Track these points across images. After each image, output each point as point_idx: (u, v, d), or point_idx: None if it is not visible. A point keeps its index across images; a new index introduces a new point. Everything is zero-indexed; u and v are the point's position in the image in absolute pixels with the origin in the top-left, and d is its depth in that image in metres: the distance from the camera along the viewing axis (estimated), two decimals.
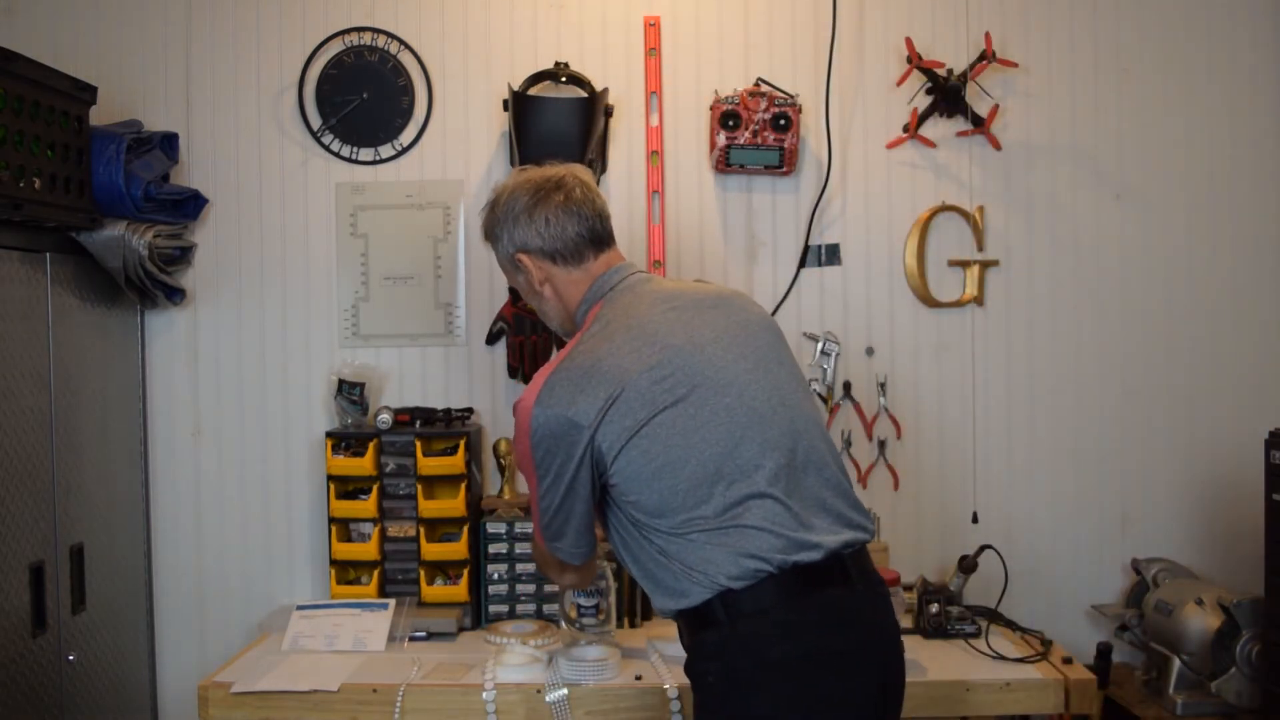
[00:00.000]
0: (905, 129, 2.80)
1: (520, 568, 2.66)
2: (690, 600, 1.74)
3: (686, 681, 2.20)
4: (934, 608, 2.51)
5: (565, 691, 2.22)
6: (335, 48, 2.83)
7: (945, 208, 2.82)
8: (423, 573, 2.67)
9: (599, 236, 1.92)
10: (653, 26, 2.82)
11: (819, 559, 1.72)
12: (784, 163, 2.75)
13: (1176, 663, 2.42)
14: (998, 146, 2.80)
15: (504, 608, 2.66)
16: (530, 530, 2.64)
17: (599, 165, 2.77)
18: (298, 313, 2.86)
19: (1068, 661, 2.34)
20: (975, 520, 2.81)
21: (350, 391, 2.75)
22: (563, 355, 1.82)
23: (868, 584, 1.79)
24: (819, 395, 2.77)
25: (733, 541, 1.71)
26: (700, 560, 1.72)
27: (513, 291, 2.79)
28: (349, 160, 2.84)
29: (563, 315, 1.96)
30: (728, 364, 1.79)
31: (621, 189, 2.82)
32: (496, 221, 1.96)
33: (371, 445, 2.67)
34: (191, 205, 2.77)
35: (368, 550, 2.68)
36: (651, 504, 1.74)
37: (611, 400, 1.73)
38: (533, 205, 1.90)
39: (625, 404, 1.73)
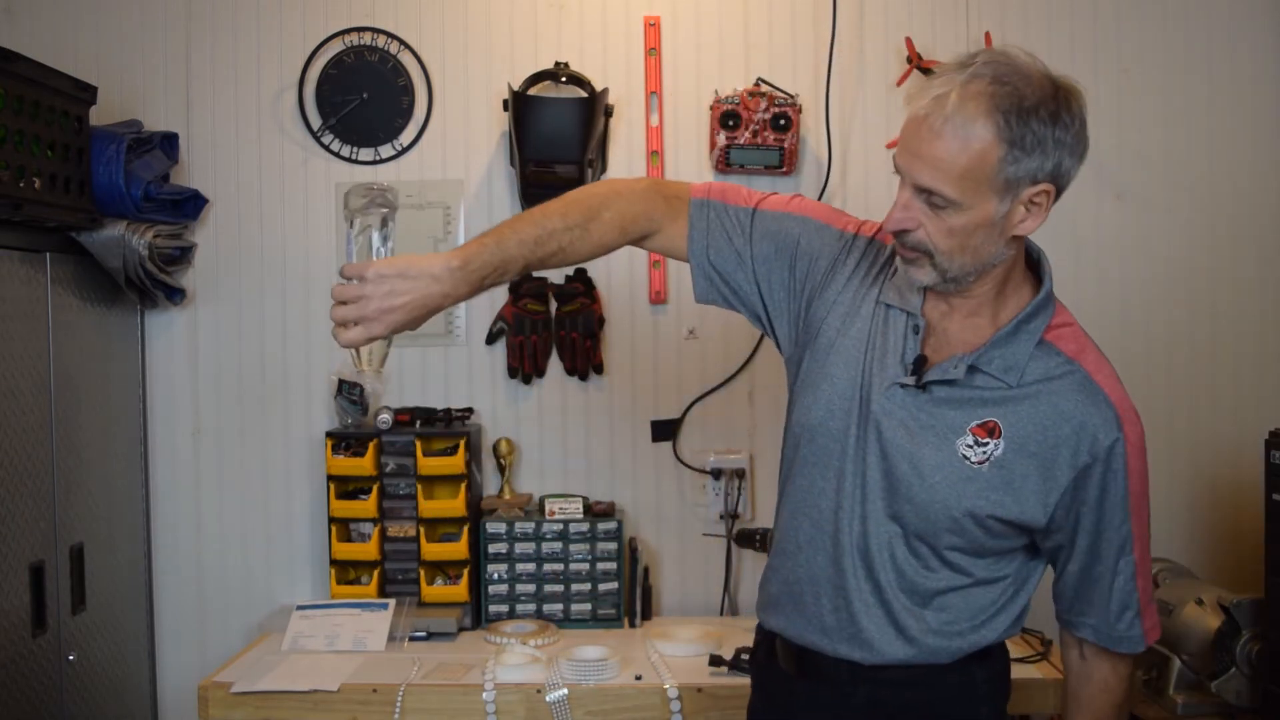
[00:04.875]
0: None
1: (520, 568, 2.66)
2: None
3: (687, 681, 2.23)
4: None
5: (565, 691, 2.22)
6: (335, 48, 2.82)
7: None
8: (423, 573, 2.67)
9: None
10: (653, 26, 2.81)
11: None
12: (784, 163, 2.75)
13: (1176, 663, 2.42)
14: None
15: (504, 608, 2.66)
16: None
17: (599, 165, 2.77)
18: (298, 313, 2.85)
19: None
20: None
21: (350, 391, 2.75)
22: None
23: None
24: None
25: None
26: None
27: (513, 291, 2.78)
28: (349, 160, 2.84)
29: (982, 265, 1.52)
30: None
31: None
32: (1058, 122, 1.35)
33: (371, 445, 2.67)
34: (191, 205, 2.77)
35: (368, 550, 2.68)
36: None
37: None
38: (1083, 130, 1.38)
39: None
